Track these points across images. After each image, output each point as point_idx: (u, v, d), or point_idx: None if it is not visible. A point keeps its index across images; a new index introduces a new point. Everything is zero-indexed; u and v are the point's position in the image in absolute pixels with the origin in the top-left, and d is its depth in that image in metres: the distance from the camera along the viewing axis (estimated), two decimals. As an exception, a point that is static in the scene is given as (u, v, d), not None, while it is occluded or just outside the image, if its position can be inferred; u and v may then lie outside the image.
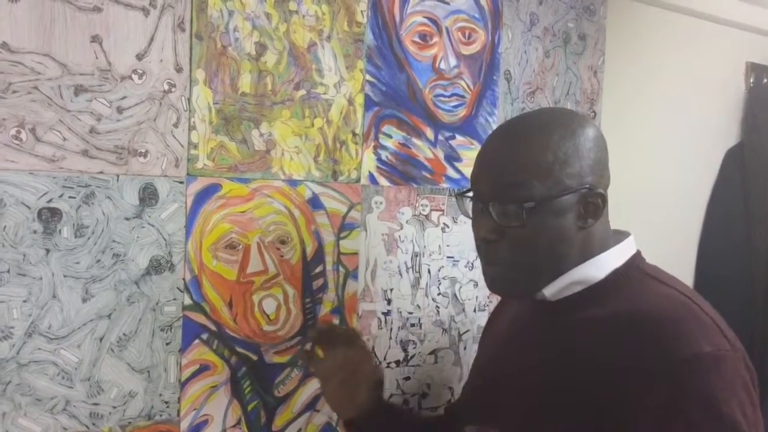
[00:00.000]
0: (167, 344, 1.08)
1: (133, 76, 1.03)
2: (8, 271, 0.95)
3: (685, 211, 1.95)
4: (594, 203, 0.93)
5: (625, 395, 0.84)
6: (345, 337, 1.18)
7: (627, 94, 1.73)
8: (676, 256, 1.92)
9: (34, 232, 0.97)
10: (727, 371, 0.83)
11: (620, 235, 1.00)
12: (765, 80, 2.03)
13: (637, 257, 0.99)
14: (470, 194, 1.00)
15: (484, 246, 0.98)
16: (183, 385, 1.10)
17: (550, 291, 0.97)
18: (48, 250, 0.98)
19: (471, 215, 1.01)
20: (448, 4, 1.37)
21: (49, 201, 0.98)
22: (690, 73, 1.88)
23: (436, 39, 1.36)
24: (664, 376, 0.83)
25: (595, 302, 0.94)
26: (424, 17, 1.34)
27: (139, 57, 1.03)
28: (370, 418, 1.14)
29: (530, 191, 0.91)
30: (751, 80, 2.03)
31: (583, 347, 0.92)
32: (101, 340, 1.03)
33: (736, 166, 1.99)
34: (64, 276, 0.99)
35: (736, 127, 2.03)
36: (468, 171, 1.42)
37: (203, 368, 1.12)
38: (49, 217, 0.98)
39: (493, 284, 1.00)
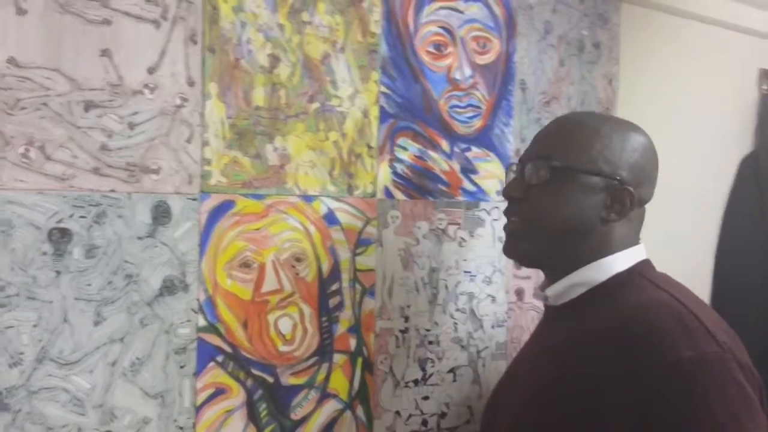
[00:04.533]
0: (181, 367, 1.04)
1: (145, 90, 1.00)
2: (17, 295, 0.91)
3: (702, 219, 1.92)
4: (621, 199, 0.96)
5: (609, 402, 0.85)
6: None
7: (642, 102, 1.70)
8: (694, 266, 1.88)
9: (44, 253, 0.93)
10: (714, 374, 0.82)
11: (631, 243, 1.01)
12: (778, 87, 2.00)
13: (643, 265, 0.99)
14: (514, 165, 1.07)
15: (508, 206, 1.03)
16: (198, 409, 1.06)
17: (554, 291, 1.01)
18: (58, 272, 0.94)
19: None
20: (462, 13, 1.34)
21: (60, 221, 0.94)
22: (703, 81, 1.85)
23: (450, 49, 1.33)
24: (646, 384, 0.83)
25: (593, 306, 0.96)
26: (439, 27, 1.31)
27: (151, 71, 1.00)
28: None
29: (563, 156, 0.96)
30: (764, 87, 2.00)
31: (575, 354, 0.93)
32: (114, 364, 0.99)
33: (751, 174, 1.96)
34: (75, 299, 0.95)
35: (750, 134, 2.00)
36: (484, 183, 1.39)
37: (218, 392, 1.08)
38: (60, 237, 0.94)
39: (505, 243, 1.04)
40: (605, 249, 0.97)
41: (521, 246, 1.02)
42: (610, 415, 0.85)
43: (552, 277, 1.03)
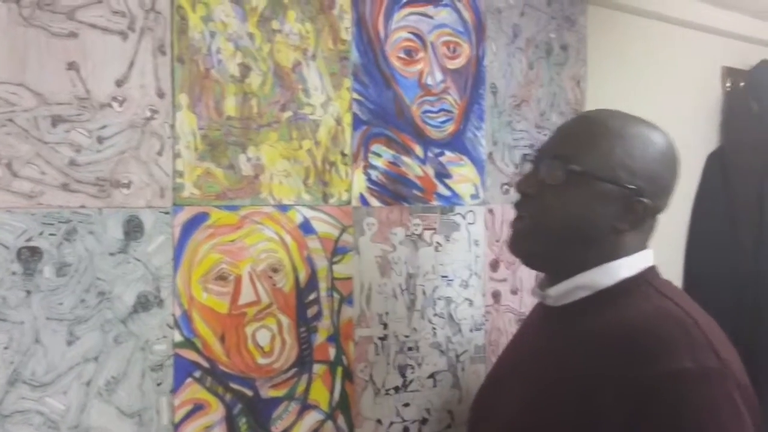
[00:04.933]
0: (158, 385, 1.02)
1: (113, 103, 0.98)
2: (-14, 317, 0.89)
3: (671, 214, 1.94)
4: (635, 210, 0.93)
5: (606, 403, 0.84)
6: None
7: (609, 103, 1.69)
8: (664, 259, 1.90)
9: (14, 273, 0.90)
10: (711, 388, 0.82)
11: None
12: (741, 84, 2.04)
13: (651, 271, 0.98)
14: (531, 156, 1.03)
15: (519, 201, 1.01)
16: (176, 427, 1.04)
17: (555, 292, 0.98)
18: (29, 292, 0.91)
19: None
20: (431, 18, 1.34)
21: (29, 239, 0.91)
22: (669, 79, 1.88)
23: (421, 54, 1.32)
24: (643, 389, 0.82)
25: (597, 310, 0.94)
26: (409, 32, 1.31)
27: (119, 83, 0.98)
28: None
29: (582, 160, 0.93)
30: (728, 84, 2.04)
31: (577, 356, 0.91)
32: (89, 384, 0.96)
33: (718, 170, 1.99)
34: (47, 318, 0.93)
35: (715, 130, 2.04)
36: (458, 188, 1.39)
37: (197, 408, 1.06)
38: (29, 256, 0.92)
39: (511, 239, 1.02)
40: (613, 254, 0.95)
41: (527, 246, 0.99)
42: (606, 415, 0.84)
43: (554, 278, 1.00)
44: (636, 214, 0.94)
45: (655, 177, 0.95)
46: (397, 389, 1.30)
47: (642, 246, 0.98)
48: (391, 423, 1.30)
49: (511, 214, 1.45)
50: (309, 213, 1.18)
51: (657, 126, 0.99)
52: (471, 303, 1.41)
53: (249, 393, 1.11)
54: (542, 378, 0.95)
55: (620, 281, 0.95)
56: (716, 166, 2.00)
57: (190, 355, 1.05)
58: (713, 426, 0.80)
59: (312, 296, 1.19)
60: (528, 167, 1.03)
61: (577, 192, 0.93)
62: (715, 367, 0.83)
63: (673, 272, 1.95)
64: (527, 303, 1.51)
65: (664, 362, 0.82)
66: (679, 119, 1.91)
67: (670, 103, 1.89)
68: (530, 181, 0.98)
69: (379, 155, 1.27)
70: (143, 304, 1.01)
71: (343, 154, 1.22)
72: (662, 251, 1.86)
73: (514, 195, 1.47)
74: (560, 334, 0.97)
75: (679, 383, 0.81)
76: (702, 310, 0.93)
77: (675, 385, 0.82)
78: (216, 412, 1.08)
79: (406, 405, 1.32)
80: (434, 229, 1.35)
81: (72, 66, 0.94)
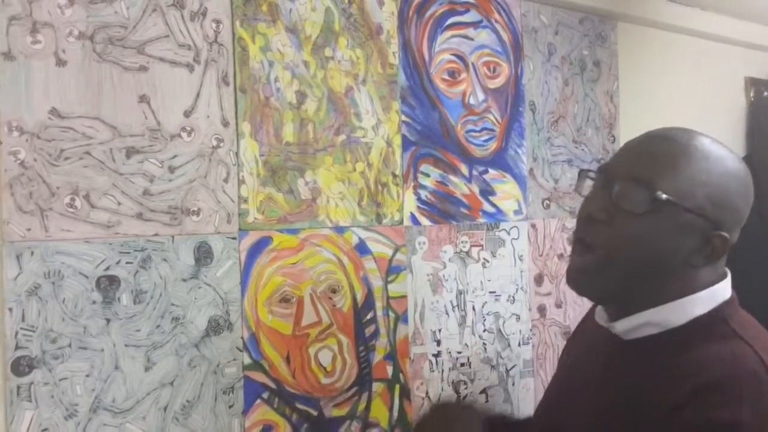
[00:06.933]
0: (230, 407, 1.04)
1: (182, 133, 1.01)
2: (69, 346, 0.91)
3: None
4: (714, 245, 0.83)
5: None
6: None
7: (640, 115, 1.74)
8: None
9: (93, 302, 0.93)
10: None
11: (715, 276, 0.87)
12: (765, 93, 2.06)
13: (727, 306, 0.86)
14: (592, 173, 0.89)
15: (584, 227, 0.86)
16: (248, 448, 1.06)
17: (623, 327, 0.88)
18: (108, 320, 0.94)
19: (585, 195, 0.90)
20: (472, 39, 1.37)
21: (107, 269, 0.94)
22: (696, 91, 1.91)
23: (464, 75, 1.35)
24: (692, 428, 0.78)
25: (668, 351, 0.85)
26: (452, 54, 1.34)
27: (187, 114, 1.01)
28: None
29: (667, 186, 0.81)
30: (752, 94, 2.06)
31: (643, 394, 0.84)
32: (165, 409, 0.98)
33: (746, 179, 2.01)
34: (125, 345, 0.95)
35: (742, 140, 2.06)
36: (502, 204, 1.41)
37: (266, 429, 1.08)
38: (108, 285, 0.94)
39: (573, 275, 0.88)
40: (685, 289, 0.85)
41: (598, 283, 0.86)
42: None
43: (618, 311, 0.89)
44: (714, 248, 0.83)
45: (737, 212, 0.84)
46: (451, 405, 1.32)
47: (716, 278, 0.86)
48: None
49: (552, 227, 1.50)
50: (364, 234, 1.20)
51: (733, 151, 0.88)
52: (518, 318, 1.43)
53: (314, 413, 1.13)
54: (607, 410, 0.88)
55: (693, 320, 0.84)
56: (744, 175, 2.02)
57: (259, 376, 1.07)
58: None
59: (369, 315, 1.21)
60: (587, 186, 0.89)
61: (661, 222, 0.82)
62: None
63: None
64: (572, 316, 1.53)
65: (722, 411, 0.77)
66: (707, 129, 1.93)
67: (698, 114, 1.91)
68: (600, 203, 0.84)
69: (427, 175, 1.30)
70: (214, 328, 1.03)
71: (394, 175, 1.24)
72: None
73: (555, 209, 1.51)
74: (627, 369, 0.88)
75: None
76: None
77: None
78: (284, 432, 1.10)
79: (461, 421, 1.33)
80: (481, 245, 1.38)
81: (143, 99, 0.97)
